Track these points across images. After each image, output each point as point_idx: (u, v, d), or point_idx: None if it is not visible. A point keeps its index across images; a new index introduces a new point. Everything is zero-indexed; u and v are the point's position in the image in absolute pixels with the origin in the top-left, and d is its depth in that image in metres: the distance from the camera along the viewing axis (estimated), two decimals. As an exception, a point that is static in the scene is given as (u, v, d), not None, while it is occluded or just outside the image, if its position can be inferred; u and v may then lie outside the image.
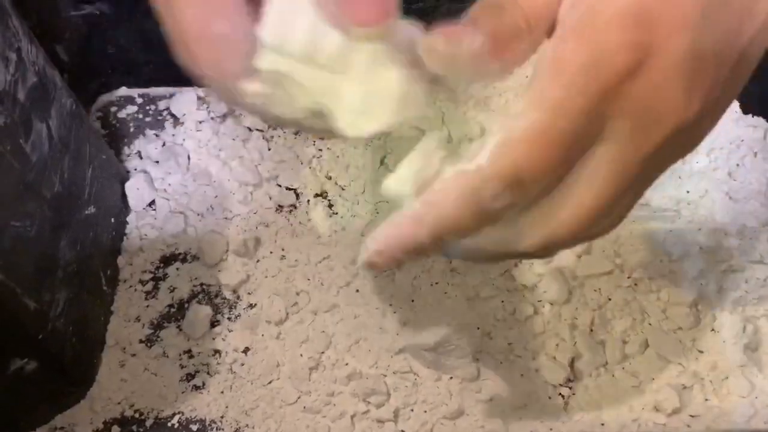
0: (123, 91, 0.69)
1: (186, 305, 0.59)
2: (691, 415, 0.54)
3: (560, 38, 0.31)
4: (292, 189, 0.63)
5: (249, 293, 0.59)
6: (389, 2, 0.31)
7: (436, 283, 0.58)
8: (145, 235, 0.62)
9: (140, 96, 0.69)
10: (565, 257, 0.58)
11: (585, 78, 0.30)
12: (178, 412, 0.55)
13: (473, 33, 0.31)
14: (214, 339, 0.57)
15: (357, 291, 0.59)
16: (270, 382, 0.56)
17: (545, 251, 0.35)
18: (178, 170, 0.64)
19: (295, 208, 0.63)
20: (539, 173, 0.31)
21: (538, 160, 0.30)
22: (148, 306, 0.59)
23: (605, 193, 0.32)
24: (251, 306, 0.59)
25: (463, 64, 0.31)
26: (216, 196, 0.63)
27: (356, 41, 0.31)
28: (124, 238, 0.62)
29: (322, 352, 0.57)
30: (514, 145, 0.30)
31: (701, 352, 0.56)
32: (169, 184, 0.64)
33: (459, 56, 0.31)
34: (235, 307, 0.59)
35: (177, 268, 0.60)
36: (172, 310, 0.59)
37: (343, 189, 0.63)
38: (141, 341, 0.58)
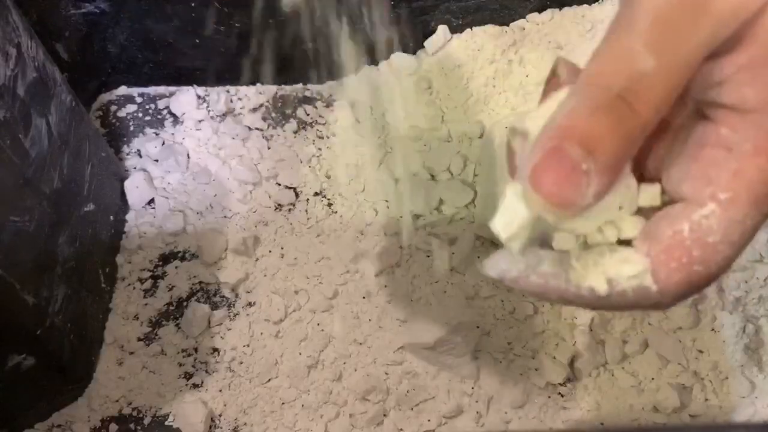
0: (123, 89, 0.69)
1: (185, 303, 0.59)
2: (691, 415, 0.54)
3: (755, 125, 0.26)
4: (291, 188, 0.63)
5: (248, 292, 0.59)
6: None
7: (436, 282, 0.58)
8: (144, 233, 0.61)
9: (140, 95, 0.69)
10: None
11: None
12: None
13: None
14: (212, 337, 0.57)
15: (356, 290, 0.59)
16: (269, 381, 0.56)
17: None
18: (178, 169, 0.64)
19: (295, 206, 0.63)
20: None
21: None
22: (146, 304, 0.59)
23: None
24: (250, 304, 0.59)
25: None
26: (215, 195, 0.63)
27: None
28: (123, 235, 0.61)
29: (321, 351, 0.57)
30: None
31: (701, 351, 0.56)
32: (169, 183, 0.64)
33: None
34: (234, 306, 0.59)
35: (176, 267, 0.60)
36: (171, 308, 0.59)
37: (342, 188, 0.63)
38: (139, 339, 0.58)
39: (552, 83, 0.30)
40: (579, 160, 0.25)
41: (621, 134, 0.25)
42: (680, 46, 0.25)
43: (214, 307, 0.59)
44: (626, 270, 0.27)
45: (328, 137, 0.65)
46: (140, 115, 0.68)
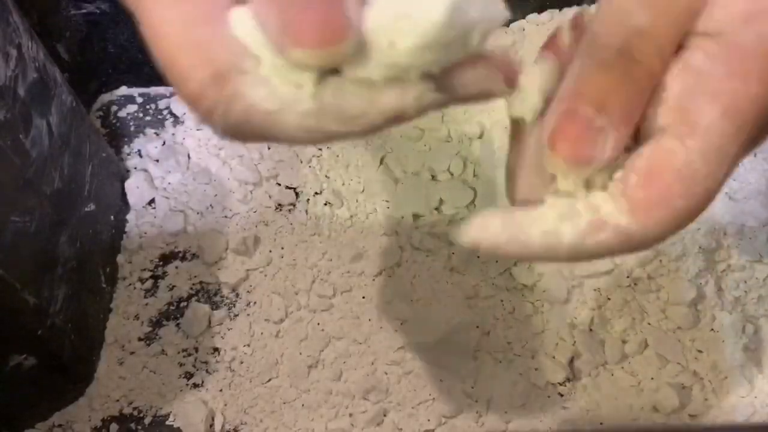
0: (123, 90, 0.69)
1: (185, 303, 0.59)
2: (691, 415, 0.54)
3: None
4: (291, 188, 0.63)
5: (248, 291, 0.59)
6: (343, 13, 0.23)
7: (436, 283, 0.58)
8: (145, 233, 0.62)
9: (140, 95, 0.69)
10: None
11: None
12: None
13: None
14: (213, 337, 0.57)
15: (356, 290, 0.59)
16: (269, 381, 0.56)
17: None
18: (178, 169, 0.64)
19: (295, 207, 0.63)
20: None
21: None
22: (147, 304, 0.59)
23: None
24: (250, 304, 0.59)
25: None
26: (216, 195, 0.63)
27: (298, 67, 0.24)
28: (124, 236, 0.62)
29: (321, 351, 0.57)
30: None
31: (701, 351, 0.56)
32: (169, 183, 0.64)
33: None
34: (234, 306, 0.59)
35: (176, 267, 0.60)
36: (171, 308, 0.59)
37: (342, 188, 0.63)
38: (140, 339, 0.58)
39: (553, 45, 0.30)
40: (592, 117, 0.25)
41: (628, 86, 0.26)
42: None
43: (215, 307, 0.59)
44: (603, 211, 0.26)
45: (328, 137, 0.65)
46: (141, 115, 0.68)
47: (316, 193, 0.63)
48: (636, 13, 0.26)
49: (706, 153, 0.25)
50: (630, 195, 0.26)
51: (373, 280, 0.59)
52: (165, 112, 0.68)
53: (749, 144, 0.27)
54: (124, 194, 0.63)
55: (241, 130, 0.25)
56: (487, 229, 0.27)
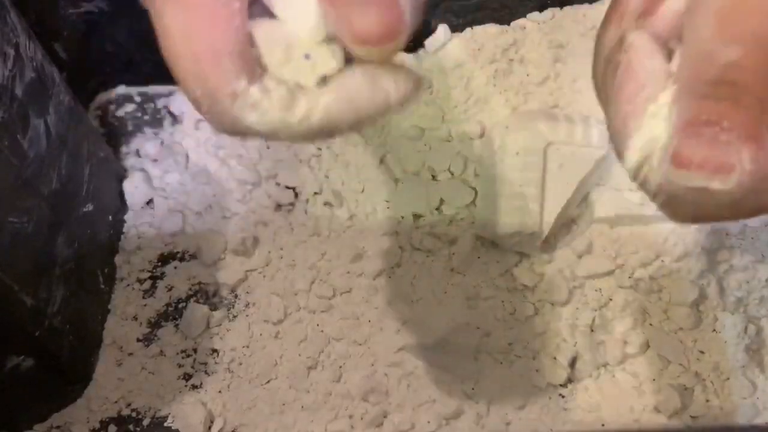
0: (121, 89, 0.69)
1: (184, 304, 0.59)
2: (692, 416, 0.54)
3: None
4: (291, 188, 0.63)
5: (247, 292, 0.59)
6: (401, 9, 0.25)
7: (436, 283, 0.58)
8: (143, 233, 0.61)
9: (139, 94, 0.68)
10: (566, 257, 0.58)
11: None
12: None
13: None
14: (211, 338, 0.57)
15: (356, 290, 0.58)
16: (268, 382, 0.56)
17: None
18: (177, 169, 0.64)
19: (294, 207, 0.62)
20: None
21: None
22: (145, 305, 0.59)
23: None
24: (249, 305, 0.58)
25: None
26: (214, 195, 0.63)
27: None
28: (122, 236, 0.61)
29: (321, 352, 0.56)
30: None
31: (702, 352, 0.55)
32: (168, 183, 0.63)
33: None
34: (233, 307, 0.59)
35: (175, 267, 0.60)
36: (170, 308, 0.59)
37: (342, 188, 0.63)
38: (138, 340, 0.57)
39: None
40: (717, 132, 0.25)
41: (741, 110, 0.25)
42: (752, 25, 0.25)
43: (214, 307, 0.58)
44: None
45: (327, 137, 0.65)
46: (139, 114, 0.68)
47: (316, 193, 0.63)
48: (722, 52, 0.25)
49: None
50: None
51: (373, 280, 0.59)
52: (163, 112, 0.67)
53: None
54: (122, 194, 0.63)
55: (237, 133, 0.28)
56: None
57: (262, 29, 0.28)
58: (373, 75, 0.27)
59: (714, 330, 0.56)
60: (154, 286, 0.59)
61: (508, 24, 0.66)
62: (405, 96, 0.28)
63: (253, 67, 0.27)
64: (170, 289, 0.59)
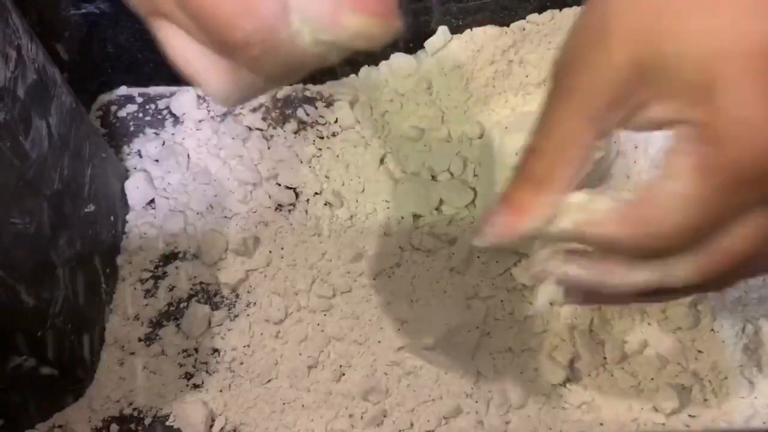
0: (123, 90, 0.69)
1: (185, 304, 0.59)
2: (691, 415, 0.54)
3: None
4: (291, 188, 0.63)
5: (248, 292, 0.59)
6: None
7: (436, 283, 0.58)
8: (145, 233, 0.61)
9: (140, 95, 0.69)
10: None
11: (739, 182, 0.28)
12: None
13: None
14: (213, 338, 0.57)
15: (356, 290, 0.59)
16: (269, 381, 0.56)
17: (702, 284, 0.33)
18: (178, 169, 0.64)
19: (295, 207, 0.63)
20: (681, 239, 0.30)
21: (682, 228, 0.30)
22: (147, 304, 0.59)
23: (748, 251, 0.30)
24: (250, 305, 0.59)
25: None
26: (215, 195, 0.63)
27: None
28: (124, 236, 0.62)
29: (321, 351, 0.57)
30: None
31: (701, 352, 0.56)
32: (169, 183, 0.64)
33: None
34: (234, 306, 0.59)
35: (176, 267, 0.60)
36: (171, 308, 0.59)
37: (342, 188, 0.63)
38: (140, 340, 0.58)
39: None
40: None
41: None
42: None
43: (215, 307, 0.59)
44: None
45: (328, 137, 0.65)
46: (140, 115, 0.68)
47: (316, 193, 0.63)
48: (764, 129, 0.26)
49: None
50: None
51: (373, 280, 0.59)
52: (165, 112, 0.68)
53: None
54: (123, 195, 0.63)
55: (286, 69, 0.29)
56: None
57: None
58: None
59: (712, 330, 0.56)
60: (155, 286, 0.60)
61: (508, 25, 0.66)
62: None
63: None
64: (171, 289, 0.59)
